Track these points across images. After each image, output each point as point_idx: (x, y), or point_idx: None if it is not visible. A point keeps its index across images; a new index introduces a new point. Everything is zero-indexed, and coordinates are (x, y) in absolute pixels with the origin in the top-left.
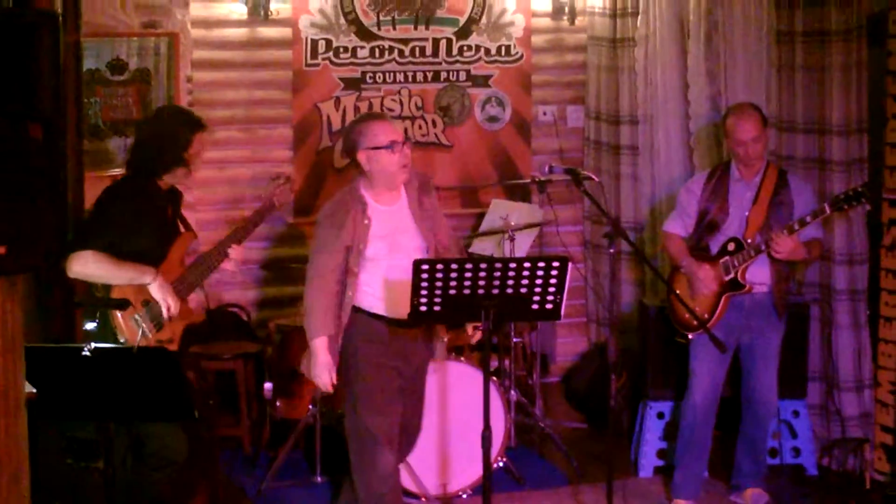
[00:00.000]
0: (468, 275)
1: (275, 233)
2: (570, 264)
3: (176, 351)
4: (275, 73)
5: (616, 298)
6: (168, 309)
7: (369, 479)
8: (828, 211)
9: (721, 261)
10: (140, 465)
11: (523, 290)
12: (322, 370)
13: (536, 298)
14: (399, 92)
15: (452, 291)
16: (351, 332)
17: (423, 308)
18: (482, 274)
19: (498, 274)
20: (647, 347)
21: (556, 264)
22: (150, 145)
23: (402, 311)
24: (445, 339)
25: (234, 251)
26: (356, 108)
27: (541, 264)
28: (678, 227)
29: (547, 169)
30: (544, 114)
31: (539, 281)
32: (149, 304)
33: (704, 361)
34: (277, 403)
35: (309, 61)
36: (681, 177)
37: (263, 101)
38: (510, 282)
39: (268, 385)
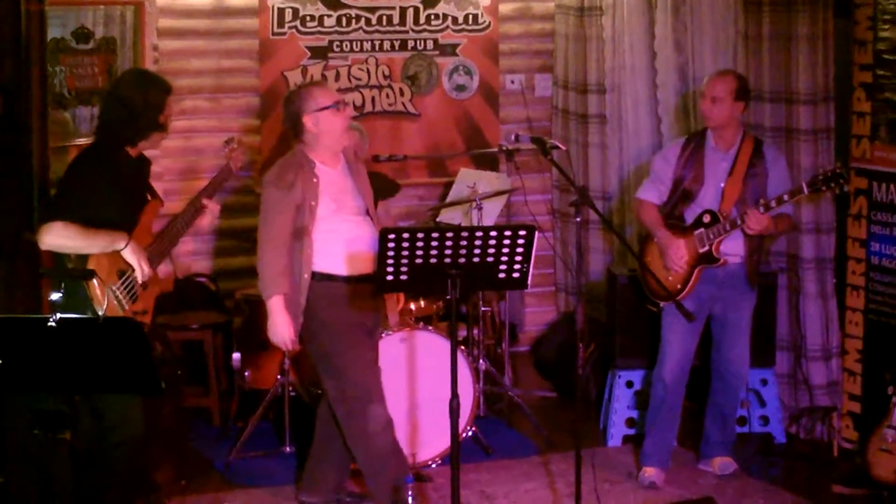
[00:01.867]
0: (434, 244)
1: (242, 202)
2: (536, 233)
3: (148, 322)
4: (241, 41)
5: (584, 267)
6: (143, 272)
7: (372, 440)
8: (805, 191)
9: (696, 232)
10: (100, 437)
11: (490, 259)
12: (282, 328)
13: (503, 267)
14: (366, 61)
15: (419, 261)
16: (311, 298)
17: (390, 277)
18: (448, 243)
19: (464, 243)
20: (616, 316)
21: (522, 233)
22: (123, 112)
23: (359, 268)
24: (400, 307)
25: (211, 204)
26: (323, 78)
27: (507, 233)
28: (652, 194)
29: (514, 137)
30: (512, 83)
31: (505, 250)
32: (123, 273)
33: (676, 331)
34: (246, 374)
35: (276, 30)
36: (649, 146)
37: (230, 70)
38: (476, 251)
39: (236, 356)
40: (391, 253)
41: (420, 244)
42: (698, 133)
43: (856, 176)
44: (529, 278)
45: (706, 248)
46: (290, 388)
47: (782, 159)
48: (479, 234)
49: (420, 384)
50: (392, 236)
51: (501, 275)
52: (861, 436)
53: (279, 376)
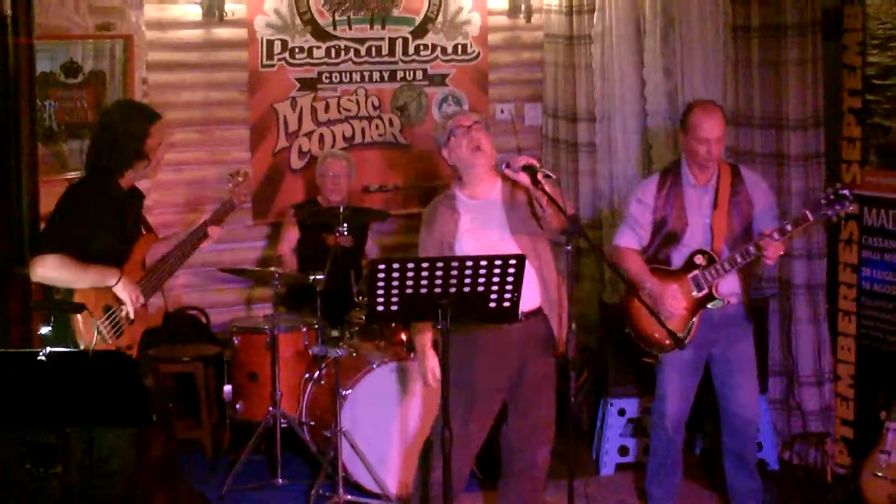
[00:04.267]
0: (425, 274)
1: (234, 234)
2: (527, 262)
3: (135, 356)
4: (231, 74)
5: (575, 296)
6: (133, 308)
7: None
8: (810, 219)
9: (690, 276)
10: (92, 470)
11: (480, 289)
12: (426, 369)
13: (494, 297)
14: (356, 92)
15: (409, 291)
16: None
17: (381, 308)
18: (439, 273)
19: (455, 272)
20: (608, 344)
21: (512, 262)
22: (106, 141)
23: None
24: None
25: (212, 230)
26: (313, 109)
27: (497, 262)
28: (631, 240)
29: (504, 166)
30: (502, 112)
31: (496, 279)
32: (110, 309)
33: (673, 381)
34: (237, 406)
35: (265, 62)
36: (639, 174)
37: (220, 103)
38: (467, 280)
39: (227, 387)
40: (382, 284)
41: (410, 274)
42: (672, 168)
43: None
44: (520, 311)
45: (704, 290)
46: (282, 420)
47: (761, 180)
48: (469, 263)
49: (413, 413)
50: (382, 267)
51: (492, 304)
52: (854, 461)
53: (271, 408)
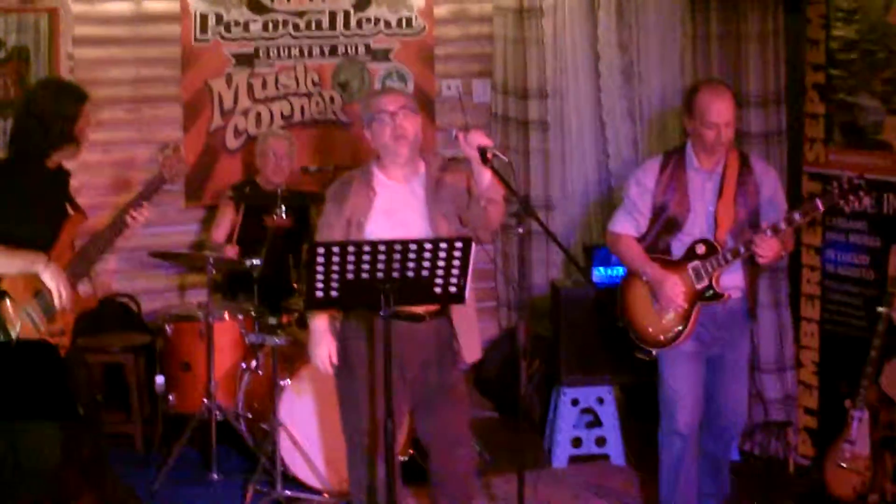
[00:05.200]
0: (366, 258)
1: (165, 217)
2: (474, 244)
3: (67, 343)
4: (162, 49)
5: (526, 280)
6: (60, 297)
7: None
8: (820, 208)
9: (690, 266)
10: (15, 465)
11: (425, 273)
12: (320, 350)
13: (439, 281)
14: (294, 67)
15: (350, 276)
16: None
17: (320, 294)
18: (381, 256)
19: (398, 256)
20: (560, 331)
21: (458, 245)
22: (34, 122)
23: None
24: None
25: (138, 213)
26: (249, 86)
27: (443, 245)
28: (629, 226)
29: (453, 134)
30: (448, 88)
31: (441, 263)
32: (40, 293)
33: (685, 378)
34: (170, 398)
35: (198, 36)
36: (593, 152)
37: (151, 80)
38: (411, 264)
39: (159, 379)
40: (321, 268)
41: (351, 258)
42: (676, 151)
43: (809, 180)
44: (467, 292)
45: (704, 282)
46: (217, 413)
47: (772, 171)
48: (413, 246)
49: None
50: (321, 250)
51: (437, 289)
52: (818, 452)
53: (205, 400)
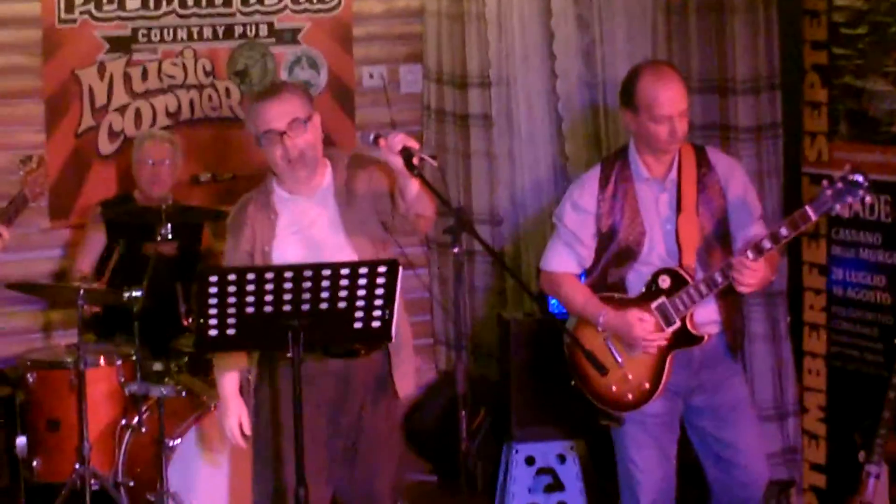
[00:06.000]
0: (269, 287)
1: (26, 241)
2: (402, 269)
3: None
4: (18, 32)
5: (467, 312)
6: None
7: None
8: (812, 217)
9: (654, 305)
10: None
11: (342, 305)
12: (229, 420)
13: (359, 315)
14: (181, 53)
15: (250, 309)
16: None
17: (213, 332)
18: (287, 285)
19: (308, 284)
20: (510, 374)
21: (381, 269)
22: None
23: None
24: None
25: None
26: (126, 77)
27: (363, 270)
28: (570, 262)
29: (371, 139)
30: (371, 77)
31: (362, 292)
32: None
33: (646, 447)
34: (34, 463)
35: (63, 17)
36: (548, 155)
37: (4, 70)
38: (324, 294)
39: (21, 440)
40: (214, 300)
41: (251, 287)
42: (616, 157)
43: (810, 183)
44: (394, 328)
45: (676, 323)
46: (92, 481)
47: (736, 164)
48: (326, 272)
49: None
50: (214, 278)
51: (358, 324)
52: None
53: (77, 465)
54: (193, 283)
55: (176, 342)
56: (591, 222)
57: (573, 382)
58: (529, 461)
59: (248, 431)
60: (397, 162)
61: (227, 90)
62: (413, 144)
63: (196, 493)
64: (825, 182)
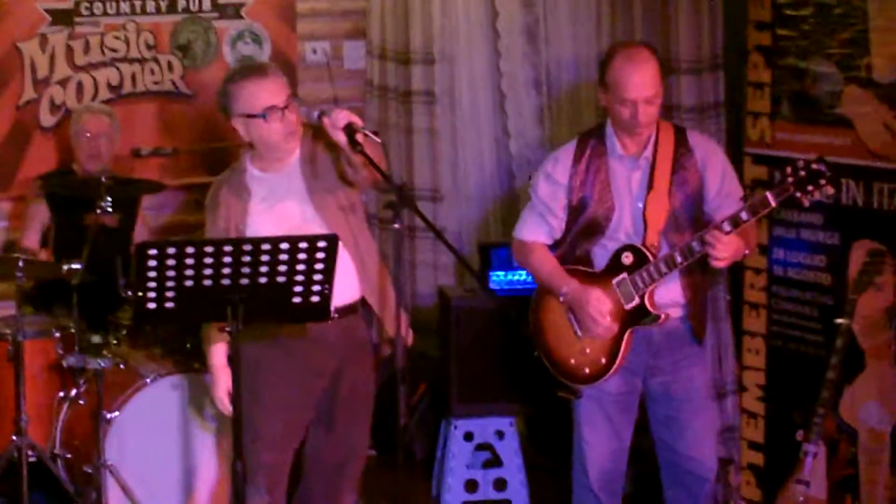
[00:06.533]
0: (208, 261)
1: None
2: (341, 244)
3: None
4: None
5: (408, 288)
6: None
7: None
8: (772, 203)
9: (615, 280)
10: None
11: (281, 279)
12: (219, 391)
13: (298, 289)
14: (124, 27)
15: (189, 282)
16: None
17: (152, 305)
18: (227, 259)
19: (247, 259)
20: (450, 350)
21: (321, 243)
22: None
23: None
24: None
25: None
26: (68, 49)
27: (302, 245)
28: (540, 232)
29: (316, 116)
30: (314, 52)
31: (301, 266)
32: None
33: (597, 422)
34: None
35: None
36: (491, 132)
37: None
38: (263, 268)
39: None
40: (153, 273)
41: (189, 261)
42: (593, 133)
43: (753, 164)
44: (332, 306)
45: (635, 300)
46: (29, 453)
47: (717, 149)
48: (265, 246)
49: (201, 444)
50: (153, 252)
51: (297, 299)
52: (765, 494)
53: (14, 437)
54: (133, 256)
55: (115, 315)
56: (562, 194)
57: (535, 353)
58: (468, 437)
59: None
60: (340, 138)
61: (170, 64)
62: (356, 121)
63: (131, 465)
64: (788, 169)
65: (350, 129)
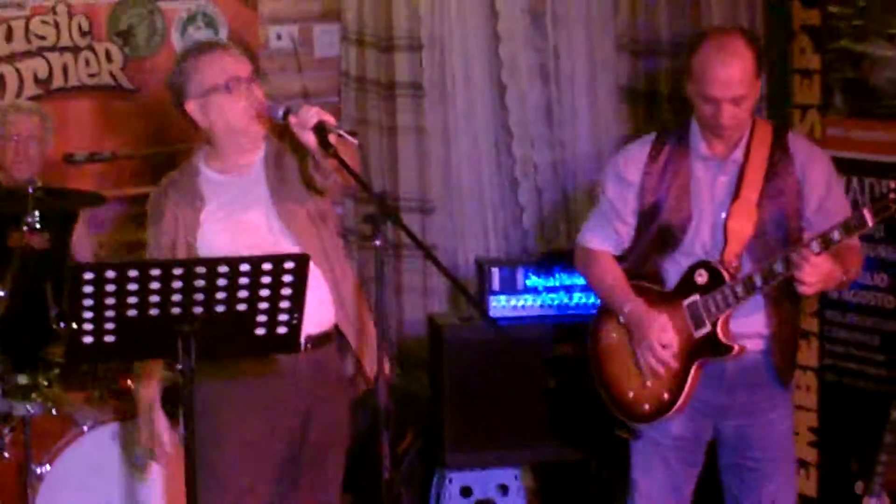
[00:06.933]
0: (155, 285)
1: None
2: (312, 262)
3: None
4: None
5: (391, 315)
6: None
7: None
8: (869, 223)
9: (686, 302)
10: None
11: (241, 307)
12: (152, 436)
13: (262, 319)
14: (53, 9)
15: (132, 312)
16: None
17: (89, 339)
18: (177, 283)
19: (201, 283)
20: (443, 388)
21: (289, 265)
22: None
23: None
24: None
25: None
26: None
27: (266, 266)
28: (607, 239)
29: (281, 114)
30: (279, 38)
31: (265, 292)
32: None
33: (655, 472)
34: None
35: None
36: (489, 130)
37: None
38: (220, 294)
39: None
40: (89, 302)
41: (133, 287)
42: (675, 130)
43: None
44: (303, 335)
45: (706, 328)
46: None
47: (822, 155)
48: (222, 268)
49: (141, 499)
50: (89, 275)
51: (260, 330)
52: None
53: None
54: (65, 282)
55: (45, 351)
56: (632, 196)
57: (592, 385)
58: (465, 492)
59: (167, 447)
60: (310, 139)
61: (108, 53)
62: (328, 119)
63: None
64: (892, 183)
65: (321, 129)
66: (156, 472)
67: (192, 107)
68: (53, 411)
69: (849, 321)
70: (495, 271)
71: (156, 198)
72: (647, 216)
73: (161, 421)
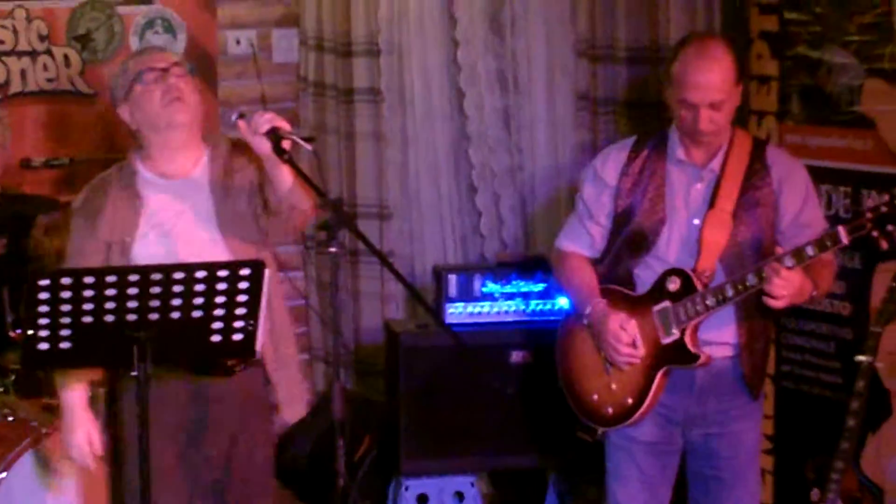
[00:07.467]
0: (111, 291)
1: None
2: (267, 271)
3: None
4: None
5: (349, 323)
6: None
7: None
8: (843, 241)
9: (656, 308)
10: None
11: (197, 314)
12: (76, 435)
13: (218, 325)
14: (11, 13)
15: (87, 318)
16: None
17: (45, 346)
18: (132, 290)
19: (157, 290)
20: (399, 395)
21: (244, 272)
22: None
23: None
24: None
25: None
26: None
27: (222, 272)
28: (578, 240)
29: (234, 118)
30: (237, 43)
31: (221, 298)
32: None
33: (630, 480)
34: None
35: None
36: (447, 136)
37: None
38: (176, 301)
39: None
40: (45, 308)
41: (88, 293)
42: (656, 135)
43: None
44: (259, 341)
45: (675, 335)
46: None
47: (800, 169)
48: (178, 275)
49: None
50: (44, 282)
51: (216, 337)
52: None
53: None
54: (21, 288)
55: (1, 358)
56: (607, 197)
57: (559, 384)
58: (422, 500)
59: (98, 451)
60: (264, 146)
61: (66, 58)
62: (283, 125)
63: None
64: (868, 202)
65: (275, 135)
66: (71, 482)
67: (122, 111)
68: (10, 418)
69: (804, 328)
70: (452, 278)
71: (90, 194)
72: (622, 219)
73: (91, 422)
